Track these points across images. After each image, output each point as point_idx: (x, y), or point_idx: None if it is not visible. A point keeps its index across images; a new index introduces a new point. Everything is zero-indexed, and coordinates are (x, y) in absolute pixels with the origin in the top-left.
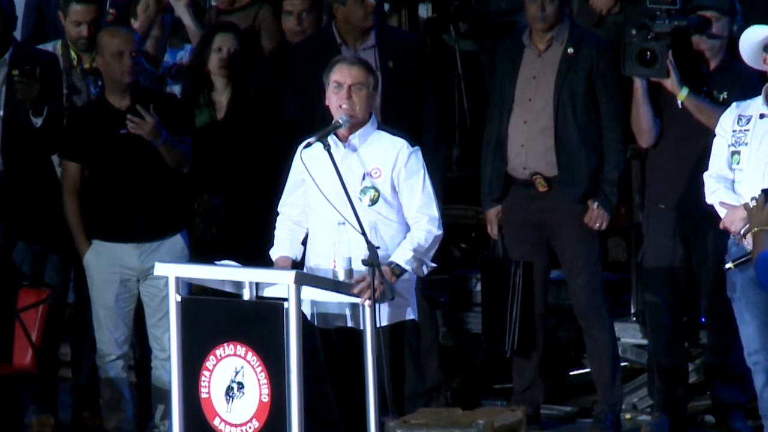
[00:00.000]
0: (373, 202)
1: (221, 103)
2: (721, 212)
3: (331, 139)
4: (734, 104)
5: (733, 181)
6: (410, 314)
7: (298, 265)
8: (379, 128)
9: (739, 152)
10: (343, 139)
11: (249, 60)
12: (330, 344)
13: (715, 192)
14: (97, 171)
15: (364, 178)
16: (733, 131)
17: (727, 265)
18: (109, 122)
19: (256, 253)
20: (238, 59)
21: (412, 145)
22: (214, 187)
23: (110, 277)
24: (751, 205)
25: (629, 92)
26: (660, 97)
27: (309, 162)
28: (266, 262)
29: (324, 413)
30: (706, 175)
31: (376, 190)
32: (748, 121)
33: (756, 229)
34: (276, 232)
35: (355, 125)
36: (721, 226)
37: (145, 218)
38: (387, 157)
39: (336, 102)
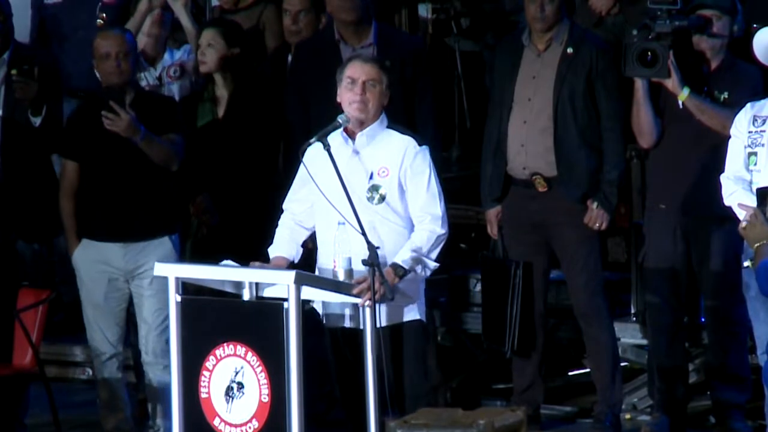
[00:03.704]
0: (380, 201)
1: (222, 99)
2: (740, 214)
3: (341, 137)
4: (749, 105)
5: (750, 182)
6: (416, 314)
7: (296, 265)
8: (388, 127)
9: (755, 153)
10: (353, 137)
11: (250, 58)
12: (337, 344)
13: (733, 194)
14: (90, 170)
15: (371, 177)
16: (749, 132)
17: (746, 264)
18: (102, 121)
19: (254, 253)
20: (228, 56)
21: (420, 144)
22: (212, 185)
23: (98, 276)
24: (742, 226)
25: (629, 92)
26: (661, 98)
27: (316, 161)
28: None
29: (324, 413)
30: (723, 177)
31: (383, 189)
32: (764, 121)
33: (756, 245)
34: (277, 230)
35: (363, 123)
36: (740, 227)
37: (133, 218)
38: (394, 156)
39: (348, 98)
